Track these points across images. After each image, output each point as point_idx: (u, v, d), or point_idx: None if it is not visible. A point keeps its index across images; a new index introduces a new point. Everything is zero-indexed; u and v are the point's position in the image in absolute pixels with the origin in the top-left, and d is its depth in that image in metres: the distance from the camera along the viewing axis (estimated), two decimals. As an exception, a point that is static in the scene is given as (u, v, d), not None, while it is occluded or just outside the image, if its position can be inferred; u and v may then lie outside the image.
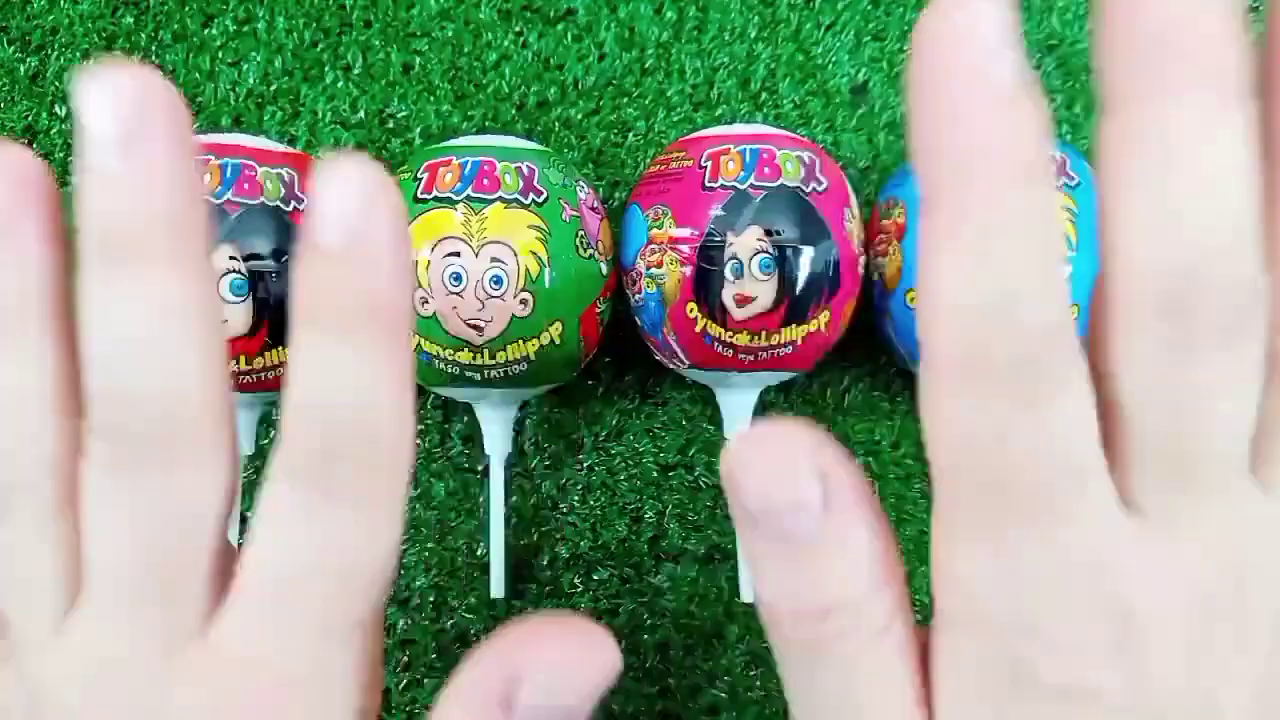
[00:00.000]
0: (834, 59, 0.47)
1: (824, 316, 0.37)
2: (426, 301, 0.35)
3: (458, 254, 0.35)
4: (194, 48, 0.46)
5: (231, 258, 0.34)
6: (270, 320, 0.35)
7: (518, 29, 0.46)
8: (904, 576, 0.18)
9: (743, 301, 0.35)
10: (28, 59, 0.45)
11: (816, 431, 0.18)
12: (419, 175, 0.36)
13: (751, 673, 0.40)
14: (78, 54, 0.45)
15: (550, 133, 0.45)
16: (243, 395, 0.37)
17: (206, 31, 0.46)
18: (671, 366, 0.40)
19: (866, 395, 0.44)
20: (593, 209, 0.38)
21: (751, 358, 0.37)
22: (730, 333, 0.36)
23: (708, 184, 0.36)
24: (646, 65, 0.46)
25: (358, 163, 0.16)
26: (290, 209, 0.35)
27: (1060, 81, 0.47)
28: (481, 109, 0.46)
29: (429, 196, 0.35)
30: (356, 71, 0.46)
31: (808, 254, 0.36)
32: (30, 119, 0.45)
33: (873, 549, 0.18)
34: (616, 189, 0.45)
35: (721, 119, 0.46)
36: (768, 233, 0.35)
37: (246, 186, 0.35)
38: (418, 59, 0.46)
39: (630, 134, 0.45)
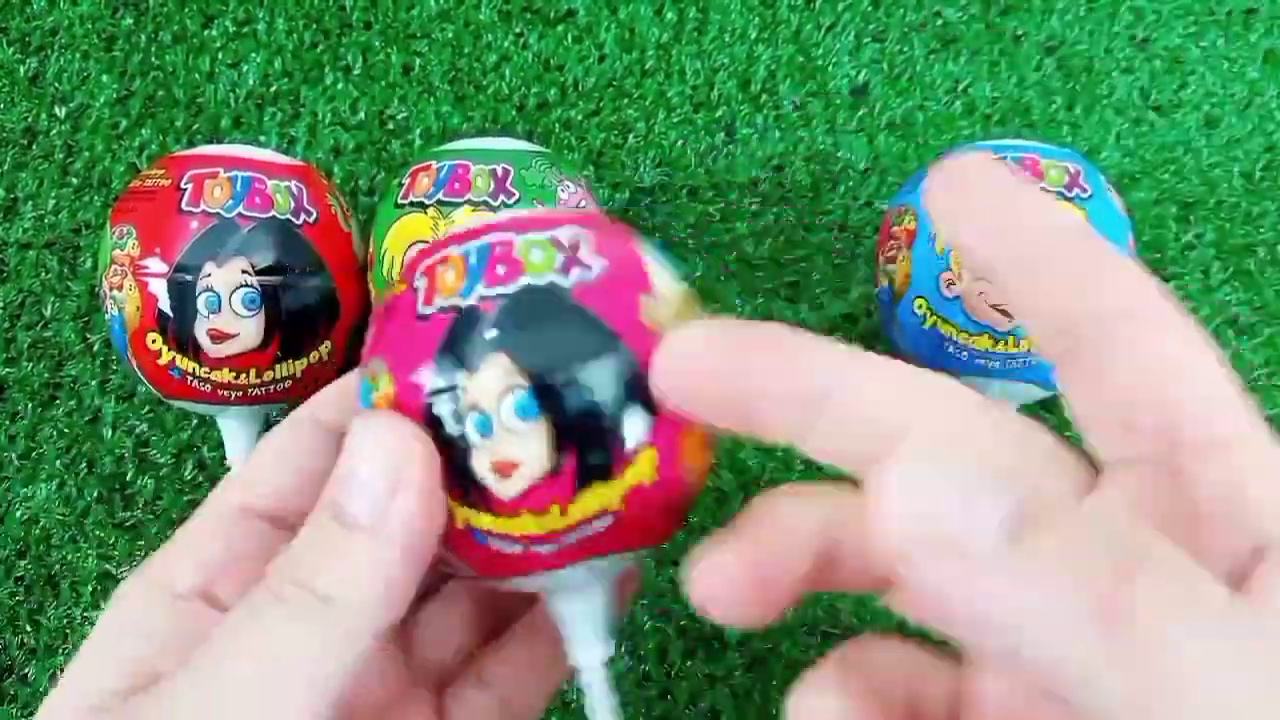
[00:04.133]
0: (834, 60, 0.47)
1: None
2: None
3: None
4: (194, 48, 0.46)
5: (244, 271, 0.34)
6: (281, 334, 0.35)
7: (518, 30, 0.46)
8: None
9: None
10: (28, 59, 0.45)
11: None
12: (403, 181, 0.36)
13: (752, 676, 0.41)
14: (78, 54, 0.45)
15: (550, 134, 0.45)
16: (251, 408, 0.37)
17: (206, 32, 0.46)
18: None
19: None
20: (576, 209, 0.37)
21: None
22: None
23: None
24: (647, 66, 0.46)
25: None
26: (300, 222, 0.35)
27: (1060, 82, 0.47)
28: (481, 110, 0.46)
29: (405, 202, 0.36)
30: (356, 73, 0.46)
31: None
32: (30, 119, 0.44)
33: None
34: (617, 190, 0.45)
35: (722, 120, 0.46)
36: None
37: (258, 200, 0.34)
38: (418, 60, 0.46)
39: (630, 135, 0.46)
